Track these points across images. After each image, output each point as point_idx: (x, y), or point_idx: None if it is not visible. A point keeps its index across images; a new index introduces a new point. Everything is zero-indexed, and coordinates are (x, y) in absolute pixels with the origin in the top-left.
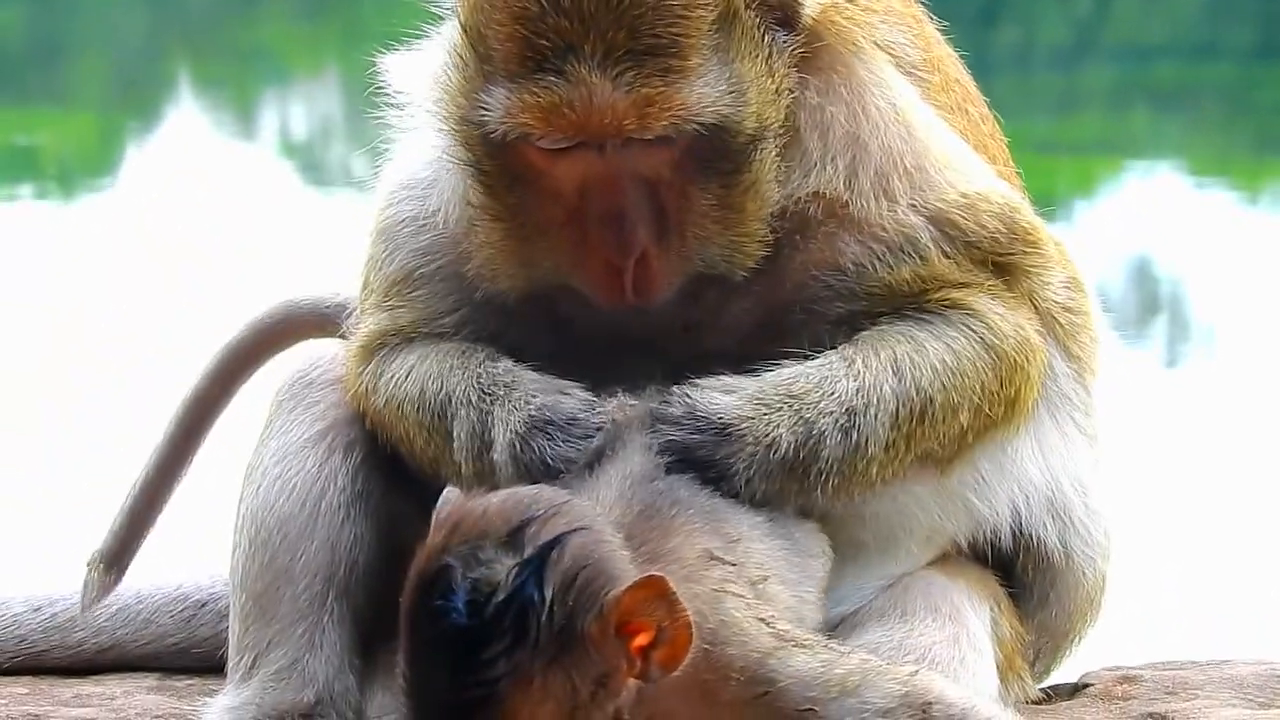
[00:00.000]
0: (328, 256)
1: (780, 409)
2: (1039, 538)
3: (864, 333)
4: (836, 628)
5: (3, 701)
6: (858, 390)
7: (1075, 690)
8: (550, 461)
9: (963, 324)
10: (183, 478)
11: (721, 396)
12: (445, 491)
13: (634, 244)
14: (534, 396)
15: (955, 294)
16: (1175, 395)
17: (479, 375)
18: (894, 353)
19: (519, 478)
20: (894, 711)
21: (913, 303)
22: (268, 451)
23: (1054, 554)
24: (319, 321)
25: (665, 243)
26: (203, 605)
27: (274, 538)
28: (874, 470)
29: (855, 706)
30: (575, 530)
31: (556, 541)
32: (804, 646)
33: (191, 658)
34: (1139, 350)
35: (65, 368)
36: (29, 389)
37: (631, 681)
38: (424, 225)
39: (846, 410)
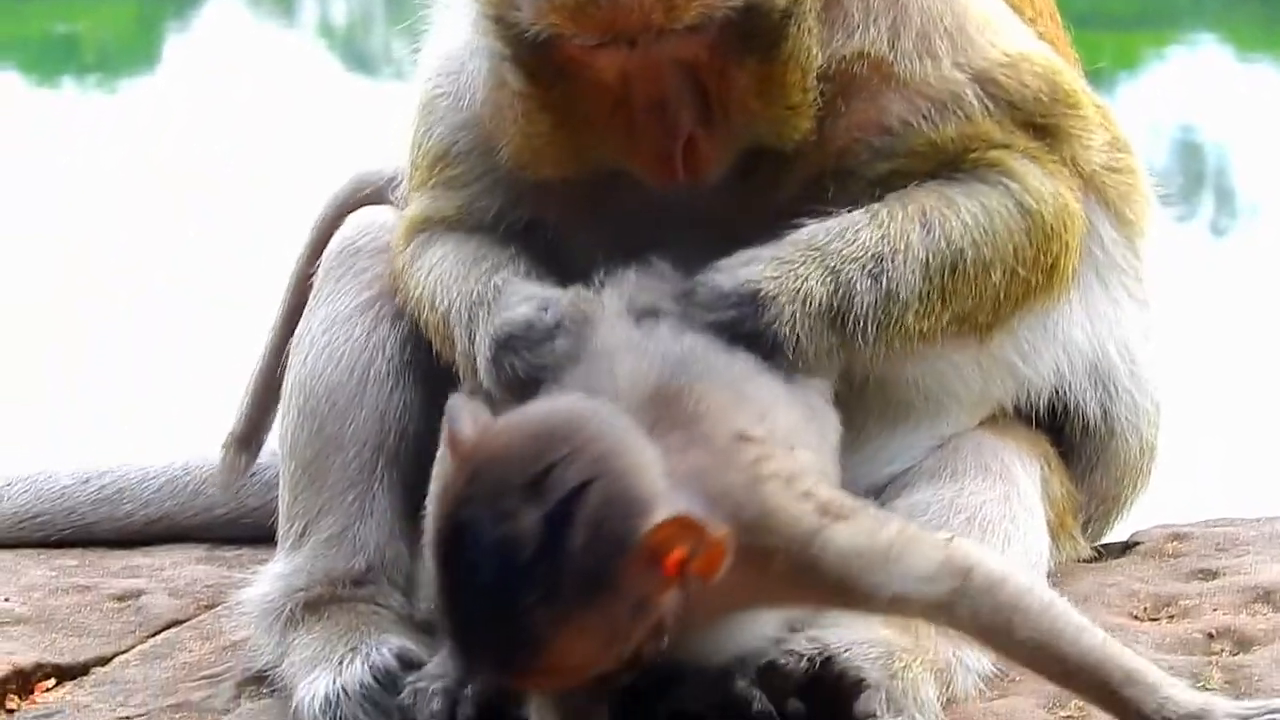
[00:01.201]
0: (370, 141)
1: (804, 262)
2: (1081, 403)
3: (892, 192)
4: (886, 488)
5: (52, 573)
6: (882, 238)
7: (1126, 549)
8: (524, 375)
9: (998, 183)
10: None
11: (743, 269)
12: (451, 399)
13: (679, 129)
14: (498, 314)
15: (993, 154)
16: (1221, 266)
17: (474, 291)
18: (921, 205)
19: (507, 396)
20: (936, 578)
21: (949, 165)
22: (316, 320)
23: (1095, 419)
24: (387, 188)
25: (711, 123)
26: (251, 475)
27: (322, 406)
28: (910, 319)
29: (899, 574)
30: (598, 477)
31: (580, 490)
32: (845, 518)
33: (240, 528)
34: (1185, 223)
35: (109, 255)
36: (76, 275)
37: (671, 592)
38: (460, 103)
39: (873, 256)
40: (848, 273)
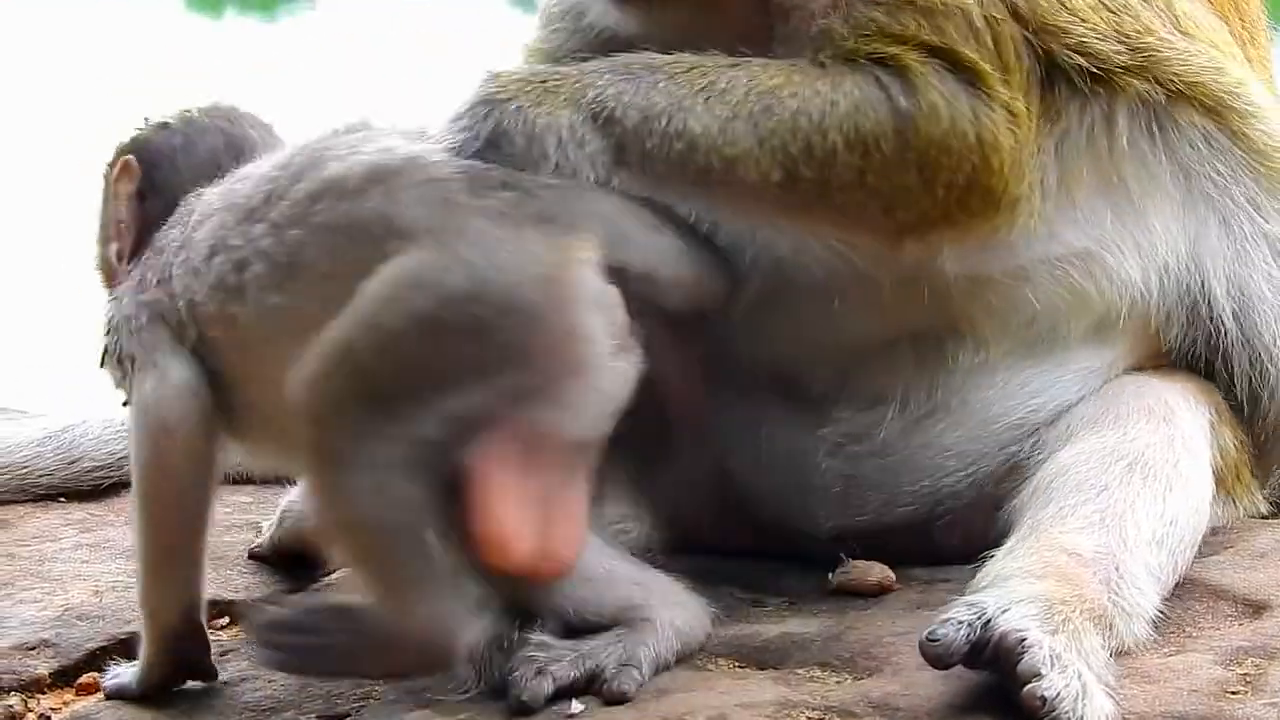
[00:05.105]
0: None
1: (553, 73)
2: (1168, 327)
3: None
4: (1045, 431)
5: (226, 510)
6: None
7: None
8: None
9: (871, 74)
10: None
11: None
12: None
13: None
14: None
15: (893, 49)
16: None
17: None
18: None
19: None
20: None
21: (848, 51)
22: None
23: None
24: None
25: None
26: None
27: None
28: (704, 148)
29: None
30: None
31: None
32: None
33: None
34: None
35: None
36: None
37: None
38: None
39: (621, 77)
40: (599, 86)
